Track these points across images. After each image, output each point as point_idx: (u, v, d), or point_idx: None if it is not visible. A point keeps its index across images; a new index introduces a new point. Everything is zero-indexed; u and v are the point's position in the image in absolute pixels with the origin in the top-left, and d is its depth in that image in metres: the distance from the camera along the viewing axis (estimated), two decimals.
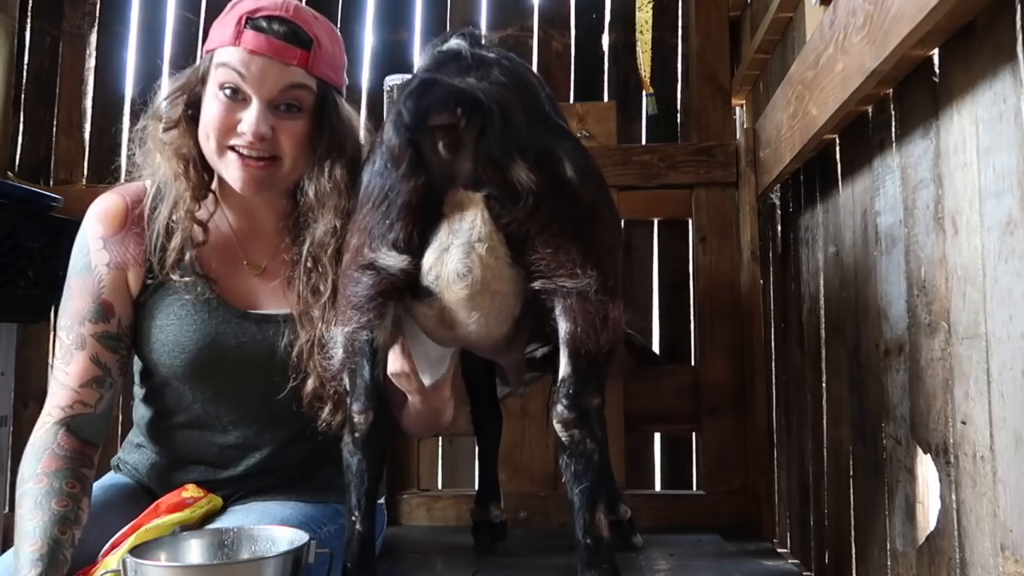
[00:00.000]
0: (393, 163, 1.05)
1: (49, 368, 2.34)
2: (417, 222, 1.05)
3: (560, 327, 1.07)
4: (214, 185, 1.32)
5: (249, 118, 1.20)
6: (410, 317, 1.14)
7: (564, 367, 1.06)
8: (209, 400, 1.32)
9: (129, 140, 1.41)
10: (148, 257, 1.30)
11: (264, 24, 1.20)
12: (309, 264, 1.26)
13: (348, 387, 1.13)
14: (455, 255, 1.05)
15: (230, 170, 1.23)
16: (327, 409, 1.25)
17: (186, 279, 1.28)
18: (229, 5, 1.27)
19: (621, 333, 1.09)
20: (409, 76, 2.15)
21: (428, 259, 1.06)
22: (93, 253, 1.29)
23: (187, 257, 1.28)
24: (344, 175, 1.27)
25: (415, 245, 1.06)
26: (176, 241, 1.27)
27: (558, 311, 1.07)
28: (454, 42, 1.17)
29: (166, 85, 1.32)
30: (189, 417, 1.34)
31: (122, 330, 1.28)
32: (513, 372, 1.35)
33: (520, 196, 1.04)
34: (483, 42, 1.20)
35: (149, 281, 1.30)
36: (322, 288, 1.25)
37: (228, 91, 1.21)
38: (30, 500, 1.13)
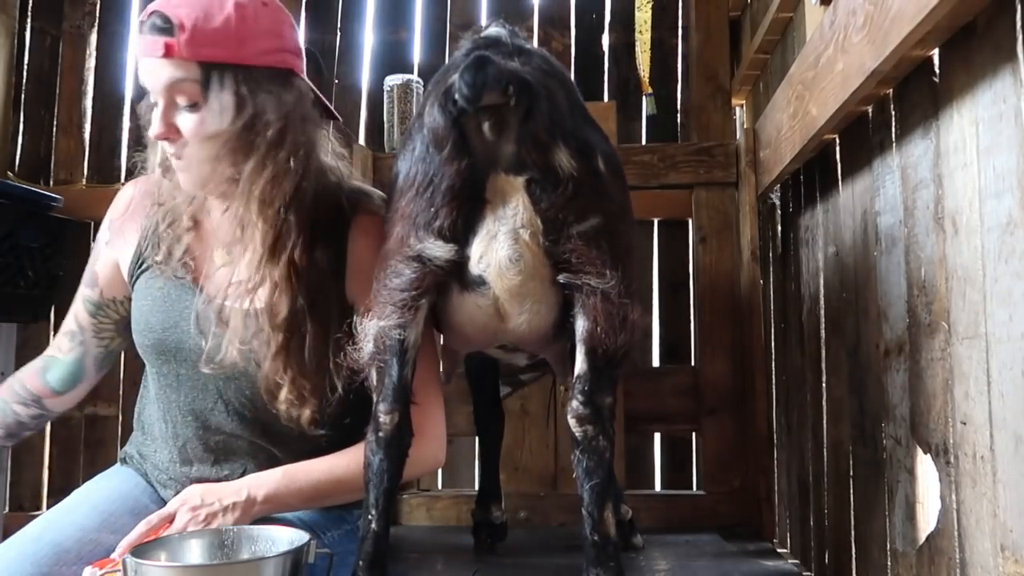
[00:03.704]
0: (436, 146, 1.04)
1: None
2: (461, 207, 1.05)
3: (578, 324, 1.07)
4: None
5: (153, 121, 1.20)
6: (454, 321, 1.13)
7: (580, 364, 1.07)
8: (171, 387, 1.33)
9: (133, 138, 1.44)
10: (141, 241, 1.37)
11: (145, 27, 1.18)
12: (261, 253, 1.22)
13: (375, 384, 1.13)
14: (503, 241, 1.05)
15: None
16: (282, 394, 1.20)
17: (168, 264, 1.33)
18: None
19: (638, 336, 1.09)
20: (409, 76, 2.17)
21: (477, 247, 1.06)
22: (103, 231, 1.43)
23: (175, 245, 1.33)
24: (266, 157, 1.20)
25: (459, 233, 1.06)
26: (165, 229, 1.34)
27: (578, 308, 1.07)
28: (493, 30, 1.17)
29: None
30: (159, 404, 1.35)
31: (104, 299, 1.40)
32: (559, 364, 1.34)
33: (561, 181, 1.04)
34: (519, 34, 1.21)
35: (140, 264, 1.36)
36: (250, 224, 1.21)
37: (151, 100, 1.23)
38: None
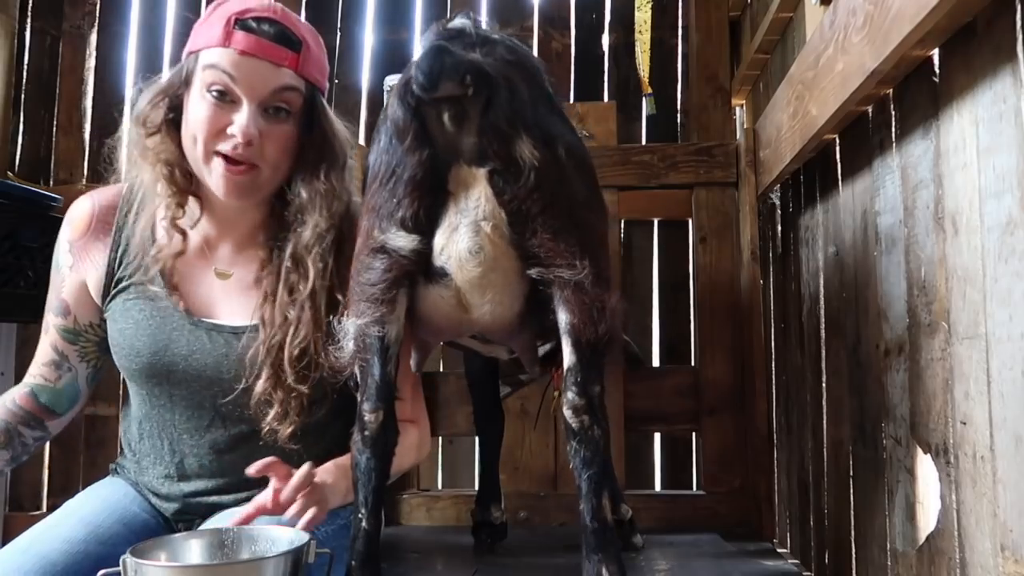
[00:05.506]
0: (398, 137, 1.05)
1: None
2: (423, 198, 1.05)
3: (560, 318, 1.07)
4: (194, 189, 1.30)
5: (240, 120, 1.19)
6: (420, 312, 1.14)
7: (568, 357, 1.07)
8: (164, 407, 1.31)
9: (108, 147, 1.39)
10: (112, 261, 1.32)
11: (254, 25, 1.20)
12: (289, 264, 1.25)
13: (359, 383, 1.13)
14: (464, 233, 1.05)
15: (214, 176, 1.22)
16: (272, 413, 1.22)
17: (150, 286, 1.28)
18: (211, 6, 1.25)
19: (619, 322, 1.10)
20: None
21: (439, 240, 1.06)
22: (61, 254, 1.36)
23: (163, 263, 1.29)
24: (339, 177, 1.28)
25: (423, 224, 1.06)
26: (154, 250, 1.29)
27: (557, 302, 1.07)
28: (458, 21, 1.17)
29: (148, 87, 1.29)
30: (150, 423, 1.34)
31: (80, 326, 1.35)
32: (526, 354, 1.35)
33: (522, 172, 1.04)
34: (484, 26, 1.20)
35: (114, 285, 1.32)
36: (301, 288, 1.24)
37: (216, 93, 1.19)
38: None
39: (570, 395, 1.06)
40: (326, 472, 1.22)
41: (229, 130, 1.20)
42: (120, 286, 1.31)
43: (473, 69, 1.00)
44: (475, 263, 1.06)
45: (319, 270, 1.24)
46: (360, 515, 1.09)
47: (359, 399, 1.11)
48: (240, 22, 1.19)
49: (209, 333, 1.27)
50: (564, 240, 1.06)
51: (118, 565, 0.96)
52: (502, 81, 1.03)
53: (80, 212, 1.35)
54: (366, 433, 1.09)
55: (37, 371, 1.36)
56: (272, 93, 1.21)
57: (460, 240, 1.05)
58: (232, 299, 1.31)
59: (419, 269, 1.09)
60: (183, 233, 1.29)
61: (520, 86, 1.07)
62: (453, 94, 1.00)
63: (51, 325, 1.35)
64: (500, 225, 1.05)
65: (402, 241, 1.06)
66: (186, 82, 1.23)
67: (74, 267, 1.34)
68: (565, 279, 1.05)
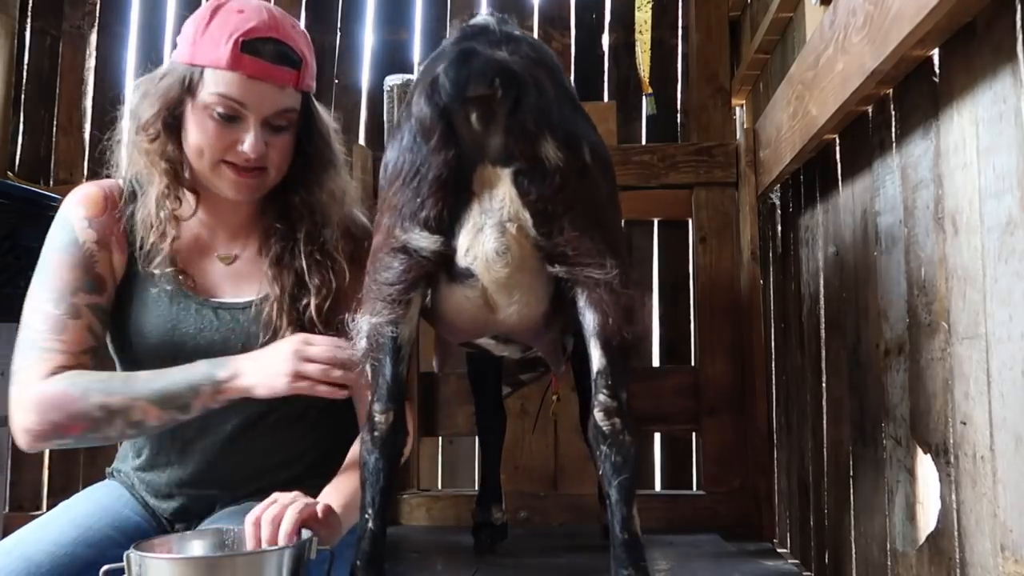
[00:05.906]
0: (424, 136, 1.04)
1: None
2: (447, 198, 1.04)
3: (587, 319, 1.05)
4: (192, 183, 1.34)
5: (248, 140, 1.23)
6: (444, 313, 1.14)
7: (597, 360, 1.05)
8: None
9: (109, 141, 1.39)
10: (130, 246, 1.32)
11: (259, 47, 1.23)
12: (311, 249, 1.32)
13: (370, 381, 1.12)
14: (490, 234, 1.04)
15: (224, 181, 1.28)
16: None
17: (156, 271, 1.30)
18: (207, 11, 1.26)
19: (648, 325, 1.09)
20: (409, 76, 2.17)
21: (463, 240, 1.05)
22: (79, 231, 1.28)
23: (163, 251, 1.30)
24: (340, 172, 1.36)
25: (445, 224, 1.05)
26: (154, 237, 1.30)
27: (583, 302, 1.05)
28: (481, 18, 1.17)
29: (146, 91, 1.29)
30: None
31: (108, 306, 1.29)
32: (552, 354, 1.34)
33: (548, 172, 1.03)
34: (509, 21, 1.20)
35: (128, 269, 1.32)
36: (333, 280, 1.30)
37: (223, 114, 1.23)
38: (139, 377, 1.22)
39: (602, 397, 1.04)
40: (326, 498, 1.18)
41: (238, 147, 1.24)
42: (130, 271, 1.32)
43: (502, 71, 0.99)
44: (502, 263, 1.05)
45: (346, 258, 1.32)
46: (367, 515, 1.09)
47: (370, 399, 1.11)
48: (246, 44, 1.21)
49: (216, 311, 1.30)
50: (591, 238, 1.04)
51: (107, 568, 0.96)
52: (529, 81, 1.02)
53: (93, 193, 1.32)
54: (376, 434, 1.09)
55: (77, 362, 1.22)
56: (275, 114, 1.25)
57: (486, 241, 1.04)
58: (234, 280, 1.34)
59: (438, 270, 1.08)
60: (180, 221, 1.33)
61: (546, 85, 1.07)
62: (483, 94, 1.00)
63: (83, 306, 1.24)
64: (525, 226, 1.04)
65: (424, 242, 1.05)
66: (189, 91, 1.25)
67: (100, 243, 1.28)
68: (596, 278, 1.04)
